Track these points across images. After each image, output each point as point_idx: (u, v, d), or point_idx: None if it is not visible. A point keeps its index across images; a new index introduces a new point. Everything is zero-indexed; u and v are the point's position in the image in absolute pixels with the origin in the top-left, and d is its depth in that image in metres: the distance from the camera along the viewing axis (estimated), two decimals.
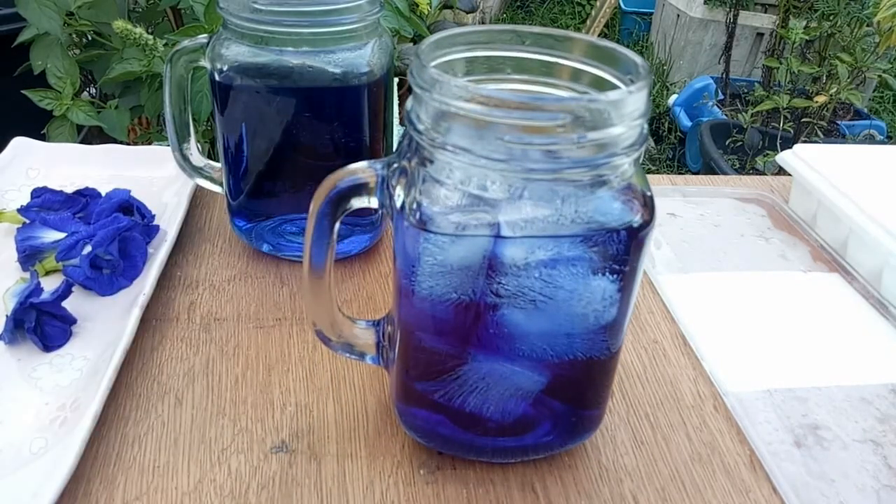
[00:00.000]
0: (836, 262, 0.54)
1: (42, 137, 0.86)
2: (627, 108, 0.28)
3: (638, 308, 0.49)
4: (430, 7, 1.40)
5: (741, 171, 1.85)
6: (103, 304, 0.46)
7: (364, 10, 0.44)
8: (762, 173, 1.74)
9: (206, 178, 0.52)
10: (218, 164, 0.52)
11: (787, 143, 0.75)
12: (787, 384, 0.43)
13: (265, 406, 0.40)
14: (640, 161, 0.32)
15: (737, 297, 0.51)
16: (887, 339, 0.47)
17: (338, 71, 0.45)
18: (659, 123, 2.26)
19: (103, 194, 0.53)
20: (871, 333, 0.48)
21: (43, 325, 0.43)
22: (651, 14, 2.92)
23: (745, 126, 1.84)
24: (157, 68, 0.96)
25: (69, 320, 0.44)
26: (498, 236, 0.29)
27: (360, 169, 0.32)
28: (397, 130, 0.85)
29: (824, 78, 1.78)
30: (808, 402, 0.42)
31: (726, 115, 2.06)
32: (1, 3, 1.20)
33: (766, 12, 2.40)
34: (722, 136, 1.90)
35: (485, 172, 0.28)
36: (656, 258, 0.54)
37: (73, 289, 0.45)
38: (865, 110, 2.08)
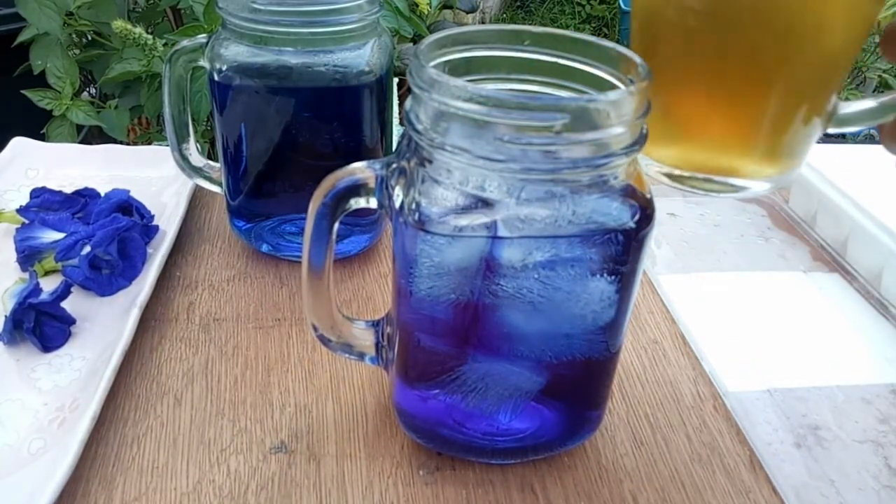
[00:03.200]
0: (836, 262, 0.54)
1: (41, 137, 0.86)
2: (627, 108, 0.28)
3: (638, 308, 0.49)
4: (430, 7, 1.40)
5: None
6: (102, 305, 0.46)
7: (363, 10, 0.44)
8: None
9: (206, 178, 0.52)
10: (217, 164, 0.52)
11: None
12: (788, 384, 0.43)
13: (264, 406, 0.40)
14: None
15: (737, 297, 0.51)
16: (887, 339, 0.47)
17: (337, 71, 0.45)
18: None
19: (102, 194, 0.53)
20: (872, 333, 0.48)
21: (42, 325, 0.43)
22: None
23: None
24: (156, 68, 0.96)
25: (68, 321, 0.44)
26: (496, 237, 0.29)
27: (359, 169, 0.32)
28: (397, 130, 0.85)
29: None
30: (808, 402, 0.42)
31: None
32: (1, 3, 1.20)
33: None
34: None
35: (483, 173, 0.28)
36: (657, 258, 0.54)
37: (72, 289, 0.45)
38: None
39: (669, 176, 0.35)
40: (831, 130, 0.34)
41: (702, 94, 0.33)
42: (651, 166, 0.35)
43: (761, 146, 0.34)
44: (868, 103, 0.33)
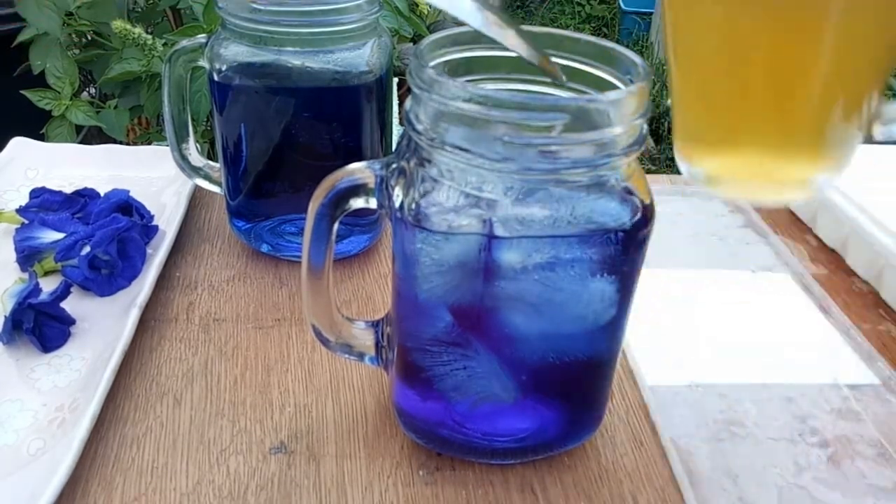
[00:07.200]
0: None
1: (41, 137, 0.86)
2: (627, 108, 0.28)
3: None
4: (430, 7, 1.40)
5: None
6: (102, 305, 0.46)
7: (363, 10, 0.44)
8: None
9: (205, 178, 0.52)
10: (217, 165, 0.51)
11: None
12: (711, 380, 0.42)
13: (264, 407, 0.40)
14: (640, 161, 0.32)
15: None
16: (830, 341, 0.46)
17: (337, 71, 0.44)
18: (659, 123, 2.26)
19: (102, 194, 0.53)
20: (817, 336, 0.47)
21: (41, 325, 0.42)
22: (651, 14, 2.92)
23: None
24: (156, 68, 0.95)
25: (67, 321, 0.44)
26: (496, 237, 0.29)
27: (359, 169, 0.32)
28: (397, 130, 0.85)
29: None
30: (728, 399, 0.41)
31: None
32: (1, 3, 1.20)
33: None
34: None
35: (483, 173, 0.28)
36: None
37: (72, 289, 0.45)
38: None
39: (712, 182, 0.33)
40: (879, 133, 0.32)
41: (747, 88, 0.31)
42: (694, 174, 0.33)
43: (807, 144, 0.32)
44: None
